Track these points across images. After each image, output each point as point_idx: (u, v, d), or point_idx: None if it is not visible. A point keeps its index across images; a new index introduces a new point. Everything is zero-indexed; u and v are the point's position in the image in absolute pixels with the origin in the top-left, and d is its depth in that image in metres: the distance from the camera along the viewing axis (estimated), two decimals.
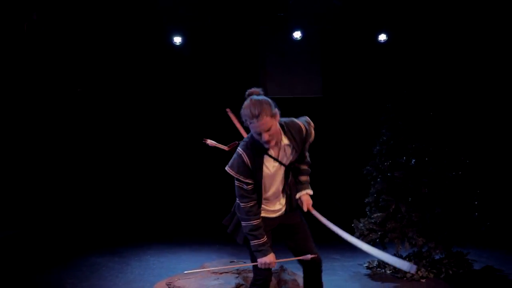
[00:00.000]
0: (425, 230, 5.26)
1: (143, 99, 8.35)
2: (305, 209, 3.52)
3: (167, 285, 3.67)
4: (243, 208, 3.22)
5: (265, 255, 3.22)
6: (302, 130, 3.26)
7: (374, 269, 5.60)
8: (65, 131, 7.91)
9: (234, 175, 3.17)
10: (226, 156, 3.36)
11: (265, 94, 8.63)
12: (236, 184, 3.23)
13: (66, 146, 7.92)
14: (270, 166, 3.21)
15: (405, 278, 5.23)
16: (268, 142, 3.02)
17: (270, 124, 2.99)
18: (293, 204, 3.47)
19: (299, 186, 3.50)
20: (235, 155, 3.21)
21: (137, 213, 8.06)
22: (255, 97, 3.07)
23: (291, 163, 3.30)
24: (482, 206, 5.42)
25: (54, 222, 7.34)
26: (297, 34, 7.94)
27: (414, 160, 5.47)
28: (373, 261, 5.76)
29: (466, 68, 7.94)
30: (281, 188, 3.33)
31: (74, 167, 7.95)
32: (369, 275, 5.49)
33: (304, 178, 3.52)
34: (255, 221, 3.20)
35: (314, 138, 3.39)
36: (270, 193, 3.30)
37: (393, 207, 5.41)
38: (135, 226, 7.71)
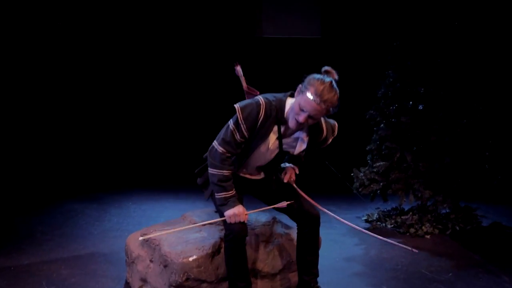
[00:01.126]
0: (432, 182, 4.79)
1: (127, 56, 7.64)
2: (285, 180, 3.20)
3: (142, 236, 3.17)
4: (220, 154, 2.87)
5: (232, 207, 2.89)
6: (323, 134, 3.03)
7: (374, 223, 5.16)
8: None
9: (239, 117, 2.81)
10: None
11: (260, 34, 7.92)
12: (230, 126, 2.88)
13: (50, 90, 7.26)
14: (272, 141, 2.95)
15: (408, 234, 4.80)
16: (298, 123, 2.76)
17: (321, 115, 2.82)
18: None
19: (287, 160, 3.29)
20: (252, 101, 2.86)
21: (122, 158, 7.49)
22: (334, 82, 2.80)
23: (286, 152, 3.09)
24: (494, 158, 4.93)
25: (30, 167, 6.78)
26: None
27: (422, 105, 4.95)
28: (372, 214, 5.32)
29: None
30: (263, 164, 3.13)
31: (56, 110, 7.31)
32: (368, 229, 5.04)
33: (294, 159, 3.29)
34: (227, 171, 2.90)
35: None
36: (252, 162, 3.09)
37: (397, 155, 4.93)
38: (118, 172, 7.15)
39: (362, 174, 5.15)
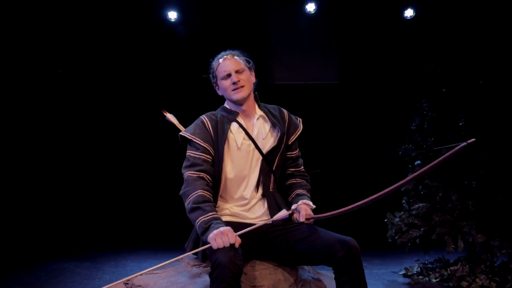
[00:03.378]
0: (485, 224, 3.99)
1: (131, 84, 7.07)
2: (301, 219, 2.47)
3: (125, 284, 2.41)
4: (188, 177, 2.44)
5: (217, 228, 2.20)
6: (284, 113, 2.74)
7: (414, 277, 4.33)
8: (38, 124, 6.65)
9: (189, 137, 2.52)
10: None
11: (273, 81, 7.33)
12: (187, 153, 2.53)
13: (39, 138, 6.65)
14: (238, 139, 2.56)
15: None
16: (237, 85, 2.56)
17: (242, 67, 2.62)
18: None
19: (296, 199, 2.64)
20: (194, 122, 2.64)
21: (124, 217, 6.73)
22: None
23: (273, 153, 2.60)
24: None
25: (20, 222, 6.07)
26: (310, 7, 6.76)
27: (464, 133, 4.24)
28: (411, 267, 4.50)
29: None
30: (254, 182, 2.57)
31: (51, 162, 6.66)
32: (409, 284, 4.22)
33: (300, 191, 2.70)
34: (202, 191, 2.38)
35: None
36: (233, 176, 2.56)
37: (440, 195, 4.17)
38: (118, 231, 6.40)
39: (398, 219, 4.38)
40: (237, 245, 2.17)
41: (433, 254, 4.52)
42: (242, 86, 2.58)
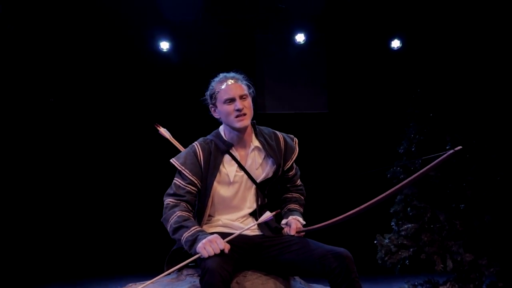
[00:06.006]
0: (473, 243, 4.06)
1: (123, 112, 7.15)
2: (292, 232, 2.53)
3: None
4: (167, 204, 2.47)
5: (205, 237, 2.26)
6: (280, 140, 2.67)
7: None
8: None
9: (178, 167, 2.50)
10: None
11: (263, 110, 7.42)
12: (174, 180, 2.53)
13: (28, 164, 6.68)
14: (231, 172, 2.54)
15: None
16: (241, 112, 2.47)
17: (246, 93, 2.54)
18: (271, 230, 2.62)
19: (287, 214, 2.69)
20: (187, 149, 2.61)
21: (114, 244, 6.70)
22: None
23: (267, 182, 2.62)
24: None
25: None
26: (300, 38, 6.91)
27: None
28: None
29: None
30: (246, 209, 2.61)
31: (42, 186, 6.67)
32: None
33: (293, 205, 2.75)
34: (181, 212, 2.41)
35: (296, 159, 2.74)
36: (225, 213, 2.60)
37: (428, 215, 4.25)
38: (108, 257, 6.36)
39: (387, 240, 4.43)
40: (226, 251, 2.22)
41: (422, 277, 4.56)
42: (245, 114, 2.50)
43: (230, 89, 2.51)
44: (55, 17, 6.11)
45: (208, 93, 2.62)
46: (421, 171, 2.17)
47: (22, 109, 6.53)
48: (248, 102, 2.54)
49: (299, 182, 2.85)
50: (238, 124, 2.49)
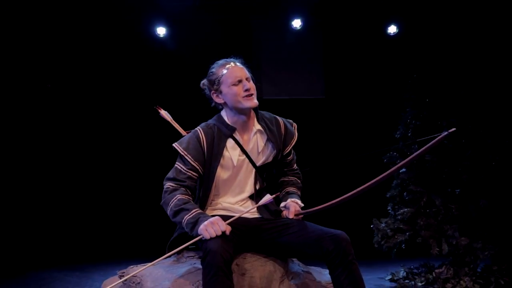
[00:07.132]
0: (468, 227, 4.11)
1: (121, 96, 7.14)
2: (290, 215, 2.54)
3: (120, 277, 2.47)
4: (167, 188, 2.49)
5: (206, 219, 2.28)
6: (280, 125, 2.70)
7: (401, 282, 4.42)
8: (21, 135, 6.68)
9: (180, 152, 2.50)
10: None
11: (260, 96, 7.43)
12: (176, 164, 2.54)
13: (27, 149, 6.69)
14: (234, 156, 2.55)
15: None
16: (249, 92, 2.50)
17: (249, 76, 2.58)
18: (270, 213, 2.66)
19: (285, 197, 2.70)
20: (190, 133, 2.60)
21: (114, 228, 6.72)
22: None
23: (266, 166, 2.65)
24: None
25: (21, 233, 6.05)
26: (296, 23, 6.90)
27: (446, 141, 4.38)
28: (397, 272, 4.59)
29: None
30: (247, 191, 2.64)
31: (42, 173, 6.68)
32: None
33: (291, 188, 2.78)
34: (181, 195, 2.43)
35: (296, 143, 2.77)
36: (226, 196, 2.63)
37: (424, 199, 4.29)
38: (108, 241, 6.39)
39: (383, 224, 4.48)
40: (227, 233, 2.25)
41: (418, 261, 4.62)
42: (252, 94, 2.53)
43: (235, 71, 2.53)
44: (52, 2, 6.08)
45: (209, 79, 2.61)
46: (416, 152, 2.20)
47: (19, 95, 6.52)
48: (252, 84, 2.57)
49: (295, 166, 2.89)
50: (248, 104, 2.51)
